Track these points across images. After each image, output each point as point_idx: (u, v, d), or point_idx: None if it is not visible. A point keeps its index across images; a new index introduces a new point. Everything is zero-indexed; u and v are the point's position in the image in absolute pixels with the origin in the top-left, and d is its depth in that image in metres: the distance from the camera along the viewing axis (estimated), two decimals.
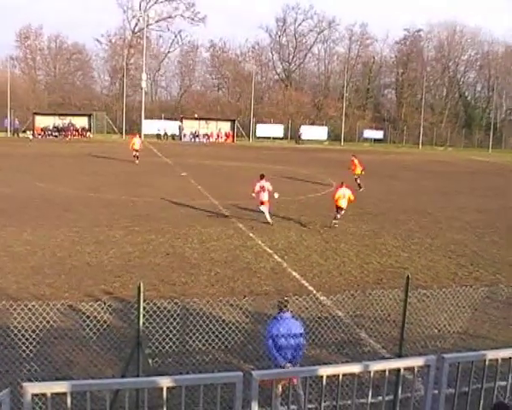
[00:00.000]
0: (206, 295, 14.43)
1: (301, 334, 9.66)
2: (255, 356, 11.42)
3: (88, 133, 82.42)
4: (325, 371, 7.78)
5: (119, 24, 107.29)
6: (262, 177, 26.67)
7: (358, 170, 37.64)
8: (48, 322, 10.82)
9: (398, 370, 8.75)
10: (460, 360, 8.29)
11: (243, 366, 10.94)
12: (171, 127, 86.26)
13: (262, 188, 26.16)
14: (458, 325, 13.33)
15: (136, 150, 48.35)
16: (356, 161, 37.97)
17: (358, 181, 37.02)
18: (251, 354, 11.53)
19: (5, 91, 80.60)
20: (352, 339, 12.82)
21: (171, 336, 10.91)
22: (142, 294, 8.71)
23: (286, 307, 9.75)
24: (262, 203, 26.19)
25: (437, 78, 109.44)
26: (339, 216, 25.40)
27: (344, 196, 25.25)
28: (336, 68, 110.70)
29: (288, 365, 9.38)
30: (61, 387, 6.87)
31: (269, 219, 25.81)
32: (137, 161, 47.51)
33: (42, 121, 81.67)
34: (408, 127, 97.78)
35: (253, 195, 25.94)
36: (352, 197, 25.64)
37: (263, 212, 25.91)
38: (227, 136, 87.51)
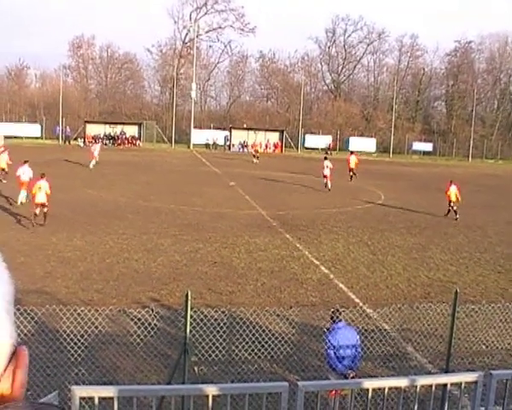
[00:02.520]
0: (252, 305, 14.42)
1: (358, 343, 9.80)
2: (301, 367, 11.40)
3: (138, 142, 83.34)
4: (371, 384, 7.74)
5: (170, 34, 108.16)
6: (325, 158, 41.39)
7: (352, 164, 47.26)
8: (96, 327, 10.99)
9: (445, 385, 8.65)
10: (508, 377, 8.14)
11: (288, 377, 10.93)
12: (220, 137, 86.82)
13: (327, 167, 39.74)
14: (507, 341, 13.11)
15: (257, 151, 64.67)
16: (352, 158, 47.89)
17: (354, 172, 46.96)
18: (296, 364, 11.51)
19: (57, 100, 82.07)
20: (399, 353, 12.70)
21: (217, 344, 10.97)
22: (189, 302, 8.77)
23: (338, 317, 9.88)
24: (325, 177, 39.70)
25: (488, 90, 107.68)
26: (455, 208, 30.61)
27: (452, 192, 30.72)
28: (386, 80, 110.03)
29: (350, 372, 9.47)
30: (108, 391, 6.97)
31: (329, 186, 39.22)
32: (257, 161, 61.08)
33: (93, 129, 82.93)
34: (458, 140, 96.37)
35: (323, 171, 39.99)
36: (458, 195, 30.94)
37: (326, 183, 39.47)
38: (275, 146, 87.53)
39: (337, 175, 46.41)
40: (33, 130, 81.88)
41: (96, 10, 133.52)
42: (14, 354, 0.97)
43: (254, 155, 62.80)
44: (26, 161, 29.59)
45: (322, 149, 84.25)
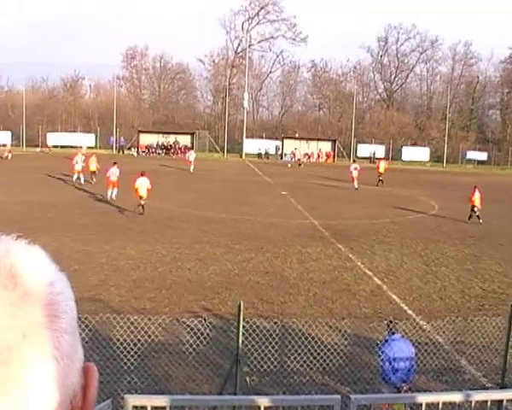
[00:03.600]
0: (304, 316, 14.36)
1: (414, 356, 9.69)
2: (353, 379, 11.28)
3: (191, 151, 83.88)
4: (425, 398, 7.60)
5: (222, 44, 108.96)
6: (354, 161, 50.89)
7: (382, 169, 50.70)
8: (149, 336, 11.06)
9: (501, 401, 8.45)
10: None
11: (340, 389, 10.83)
12: (272, 147, 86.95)
13: (355, 169, 45.93)
14: None
15: (299, 159, 74.85)
16: (381, 164, 51.96)
17: (381, 178, 49.77)
18: (348, 376, 11.39)
19: (111, 110, 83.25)
20: (452, 366, 12.49)
21: (269, 355, 10.92)
22: (241, 312, 8.76)
23: (395, 327, 9.84)
24: (353, 179, 45.39)
25: None
26: (474, 214, 31.29)
27: (476, 197, 31.38)
28: (439, 88, 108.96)
29: (404, 385, 9.34)
30: (160, 401, 6.98)
31: (356, 186, 44.55)
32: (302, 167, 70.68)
33: (146, 139, 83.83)
34: None
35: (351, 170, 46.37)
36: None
37: (354, 184, 44.92)
38: (327, 156, 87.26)
39: (389, 185, 46.10)
40: (88, 140, 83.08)
41: (148, 22, 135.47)
42: (83, 371, 0.97)
43: (300, 164, 72.42)
44: (115, 163, 34.87)
45: (372, 157, 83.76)
